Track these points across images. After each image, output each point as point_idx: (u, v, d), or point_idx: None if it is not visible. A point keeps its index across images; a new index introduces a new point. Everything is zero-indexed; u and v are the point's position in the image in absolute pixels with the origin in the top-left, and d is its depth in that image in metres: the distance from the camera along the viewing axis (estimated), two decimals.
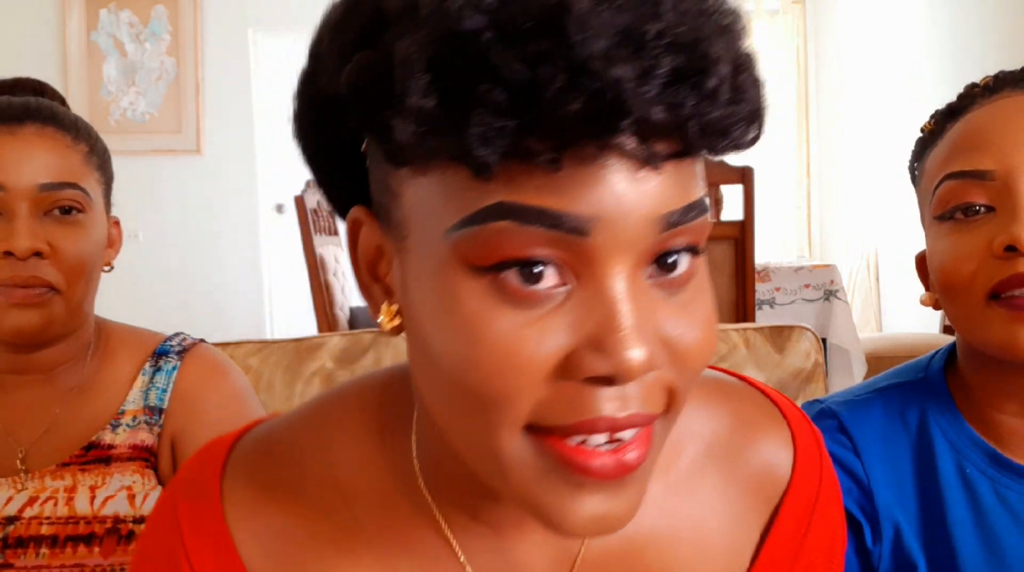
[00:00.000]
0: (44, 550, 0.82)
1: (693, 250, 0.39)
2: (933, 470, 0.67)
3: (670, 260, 0.38)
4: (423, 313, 0.39)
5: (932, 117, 0.70)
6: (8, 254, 0.78)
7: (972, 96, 0.67)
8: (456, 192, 0.36)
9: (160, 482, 0.88)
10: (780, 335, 1.36)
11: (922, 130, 0.71)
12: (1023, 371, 0.63)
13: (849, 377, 2.50)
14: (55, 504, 0.83)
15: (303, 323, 4.60)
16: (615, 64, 0.31)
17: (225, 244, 4.90)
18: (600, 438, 0.37)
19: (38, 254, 0.79)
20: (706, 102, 0.34)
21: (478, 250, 0.36)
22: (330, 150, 0.44)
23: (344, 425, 0.49)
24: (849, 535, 0.67)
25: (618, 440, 0.37)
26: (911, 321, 3.75)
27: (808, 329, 1.37)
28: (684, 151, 0.35)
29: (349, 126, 0.39)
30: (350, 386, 0.52)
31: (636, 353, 0.35)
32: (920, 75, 3.78)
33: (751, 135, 0.37)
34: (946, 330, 3.26)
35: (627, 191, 0.35)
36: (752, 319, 2.33)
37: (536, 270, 0.36)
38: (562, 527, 0.38)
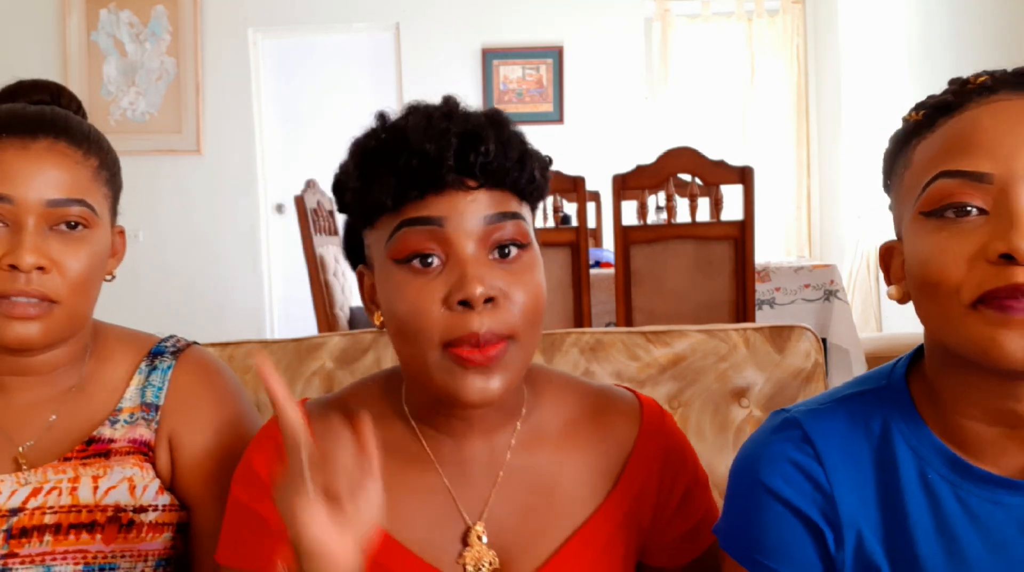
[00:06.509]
0: (48, 537, 0.84)
1: (519, 245, 0.71)
2: (895, 477, 0.67)
3: (505, 250, 0.70)
4: (383, 298, 0.72)
5: (919, 107, 0.68)
6: (12, 267, 0.80)
7: (967, 93, 0.65)
8: (385, 227, 0.71)
9: (157, 476, 0.89)
10: (780, 335, 1.36)
11: (906, 119, 0.69)
12: (994, 375, 0.61)
13: (849, 377, 2.49)
14: (59, 494, 0.85)
15: (303, 323, 4.60)
16: (430, 145, 0.67)
17: (225, 244, 4.90)
18: (473, 343, 0.67)
19: (40, 268, 0.81)
20: (481, 158, 0.68)
21: (397, 250, 0.70)
22: (351, 238, 0.79)
23: (368, 389, 0.84)
24: (811, 542, 0.69)
25: (483, 344, 0.68)
26: (911, 321, 3.73)
27: (808, 329, 1.37)
28: (483, 184, 0.69)
29: (354, 224, 0.78)
30: (371, 375, 0.88)
31: (477, 287, 0.67)
32: (920, 75, 3.78)
33: (524, 177, 0.71)
34: None
35: (461, 203, 0.69)
36: (752, 319, 2.33)
37: (428, 259, 0.69)
38: (461, 398, 0.69)
